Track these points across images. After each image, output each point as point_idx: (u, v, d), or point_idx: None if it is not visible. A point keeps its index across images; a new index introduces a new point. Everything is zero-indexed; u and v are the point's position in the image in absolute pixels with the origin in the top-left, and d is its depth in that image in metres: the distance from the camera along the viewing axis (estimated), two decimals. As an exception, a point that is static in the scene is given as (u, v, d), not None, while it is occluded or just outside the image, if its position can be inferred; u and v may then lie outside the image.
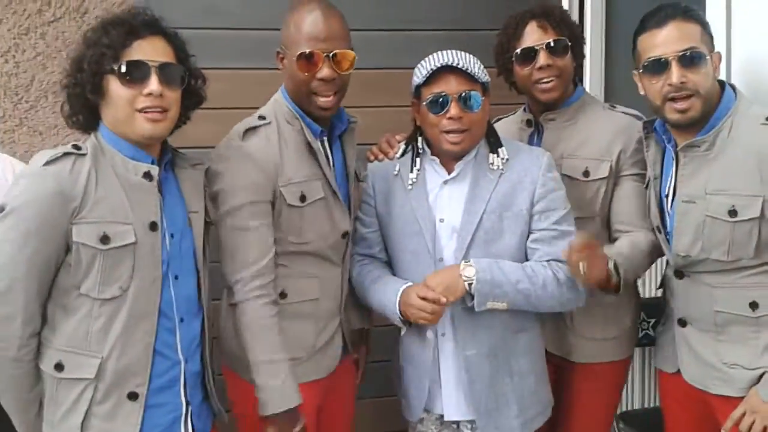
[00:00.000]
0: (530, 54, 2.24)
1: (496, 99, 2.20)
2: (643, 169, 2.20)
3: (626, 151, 2.24)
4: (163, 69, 1.80)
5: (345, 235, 2.19)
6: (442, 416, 2.16)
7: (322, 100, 2.08)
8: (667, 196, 2.09)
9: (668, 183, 2.09)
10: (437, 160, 2.12)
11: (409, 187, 2.14)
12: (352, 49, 2.11)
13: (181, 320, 1.88)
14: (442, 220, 2.09)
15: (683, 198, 2.02)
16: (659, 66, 1.95)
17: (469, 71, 1.99)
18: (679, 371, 2.11)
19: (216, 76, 3.01)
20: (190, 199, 1.96)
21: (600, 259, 1.95)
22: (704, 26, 1.98)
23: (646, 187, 2.18)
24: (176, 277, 1.87)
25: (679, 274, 2.08)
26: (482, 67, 2.05)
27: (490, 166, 2.09)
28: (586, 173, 2.24)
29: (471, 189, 2.08)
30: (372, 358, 2.57)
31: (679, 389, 2.13)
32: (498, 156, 2.10)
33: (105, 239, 1.74)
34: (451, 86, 2.00)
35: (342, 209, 2.19)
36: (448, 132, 2.02)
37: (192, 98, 1.95)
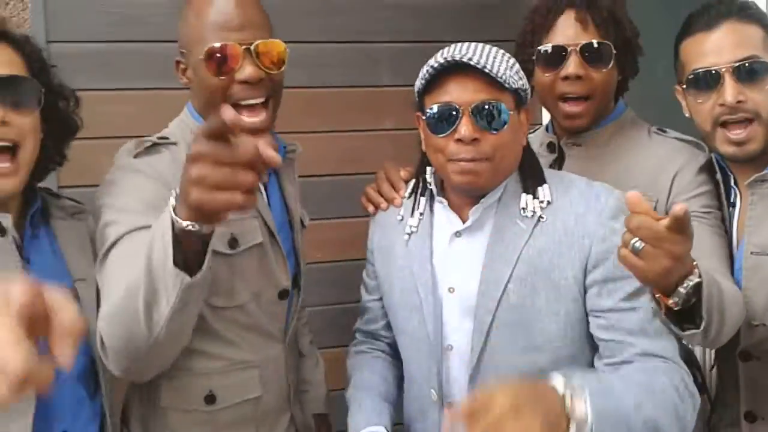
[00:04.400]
0: (558, 55, 1.68)
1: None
2: (710, 206, 1.65)
3: (680, 182, 1.65)
4: (5, 85, 1.30)
5: (284, 295, 1.63)
6: None
7: (248, 119, 1.52)
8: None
9: (731, 231, 1.64)
10: (445, 203, 1.50)
11: (406, 237, 1.55)
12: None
13: None
14: (452, 290, 1.48)
15: (753, 249, 1.55)
16: (709, 80, 1.53)
17: (491, 71, 1.36)
18: None
19: (129, 98, 2.65)
20: (73, 261, 1.45)
21: (678, 246, 1.16)
22: (767, 28, 1.54)
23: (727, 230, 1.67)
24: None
25: (745, 355, 1.59)
26: (517, 67, 1.46)
27: (522, 211, 1.45)
28: None
29: (491, 246, 1.44)
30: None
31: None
32: (535, 198, 1.46)
33: None
34: (463, 94, 1.38)
35: (282, 259, 1.63)
36: (457, 160, 1.41)
37: (59, 126, 1.45)
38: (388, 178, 1.68)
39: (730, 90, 1.51)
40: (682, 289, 1.24)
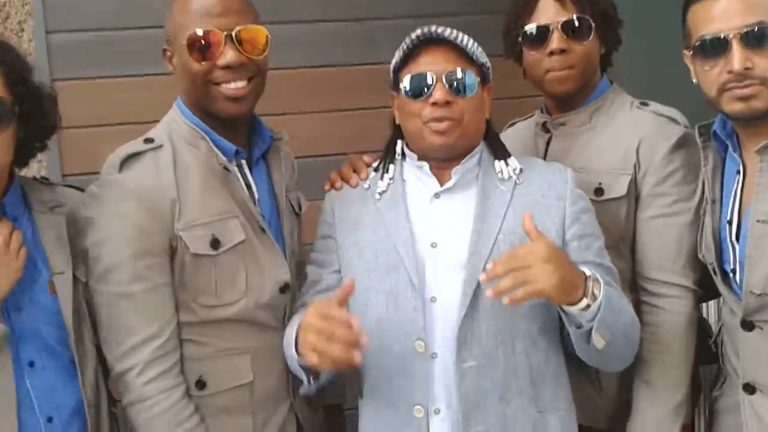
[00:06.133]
0: (542, 33, 1.78)
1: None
2: (681, 182, 1.73)
3: (649, 161, 1.73)
4: None
5: (285, 288, 1.64)
6: None
7: (231, 87, 1.55)
8: (729, 222, 1.60)
9: (730, 205, 1.61)
10: (426, 167, 1.61)
11: (378, 197, 1.63)
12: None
13: (49, 420, 1.46)
14: (434, 245, 1.56)
15: (760, 217, 1.52)
16: (716, 46, 1.50)
17: (461, 43, 1.54)
18: None
19: (130, 84, 2.67)
20: (52, 255, 1.49)
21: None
22: None
23: (703, 213, 1.68)
24: (31, 364, 1.43)
25: (748, 324, 1.58)
26: (480, 48, 1.59)
27: (499, 174, 1.61)
28: (599, 191, 1.76)
29: (480, 203, 1.57)
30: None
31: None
32: (507, 165, 1.63)
33: None
34: (436, 63, 1.54)
35: (276, 252, 1.64)
36: (432, 121, 1.55)
37: (37, 127, 1.50)
38: (352, 162, 1.76)
39: (737, 56, 1.47)
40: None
